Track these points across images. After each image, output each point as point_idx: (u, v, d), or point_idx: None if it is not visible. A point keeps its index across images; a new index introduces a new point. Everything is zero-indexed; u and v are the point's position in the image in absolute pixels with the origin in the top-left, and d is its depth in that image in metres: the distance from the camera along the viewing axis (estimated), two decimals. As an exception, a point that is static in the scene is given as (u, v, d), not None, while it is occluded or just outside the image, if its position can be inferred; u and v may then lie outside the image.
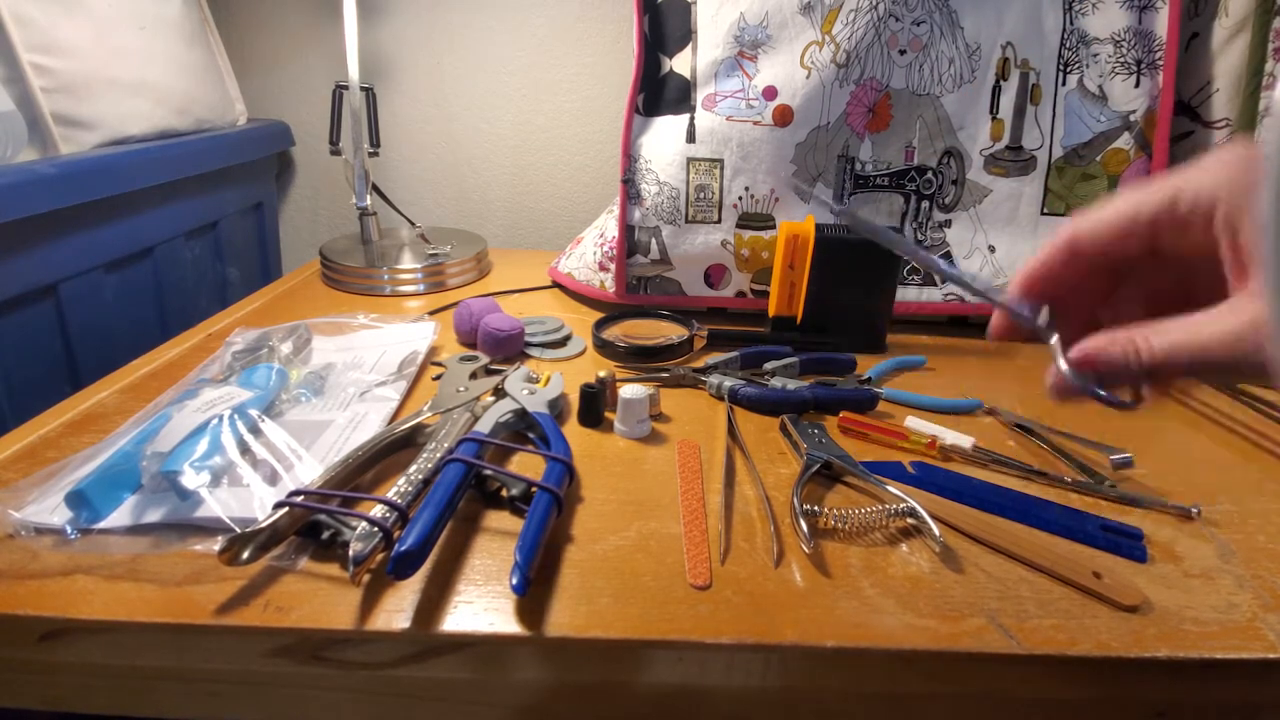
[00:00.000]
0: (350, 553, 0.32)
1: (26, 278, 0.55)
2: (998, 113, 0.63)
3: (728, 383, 0.52)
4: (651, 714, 0.33)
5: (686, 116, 0.64)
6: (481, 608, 0.32)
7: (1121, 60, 0.61)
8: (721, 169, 0.63)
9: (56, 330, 0.59)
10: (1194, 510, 0.40)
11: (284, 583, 0.33)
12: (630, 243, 0.66)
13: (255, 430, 0.42)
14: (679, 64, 0.64)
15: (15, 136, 0.55)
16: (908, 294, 0.65)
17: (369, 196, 0.80)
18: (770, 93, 0.62)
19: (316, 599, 0.32)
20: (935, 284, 0.65)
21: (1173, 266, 0.27)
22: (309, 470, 0.40)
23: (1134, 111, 0.61)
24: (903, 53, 0.62)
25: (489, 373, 0.52)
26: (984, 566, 0.35)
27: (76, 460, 0.39)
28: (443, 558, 0.35)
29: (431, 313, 0.68)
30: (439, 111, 0.93)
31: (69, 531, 0.35)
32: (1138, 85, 0.61)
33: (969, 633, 0.31)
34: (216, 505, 0.36)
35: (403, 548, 0.31)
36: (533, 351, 0.59)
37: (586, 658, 0.32)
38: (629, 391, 0.46)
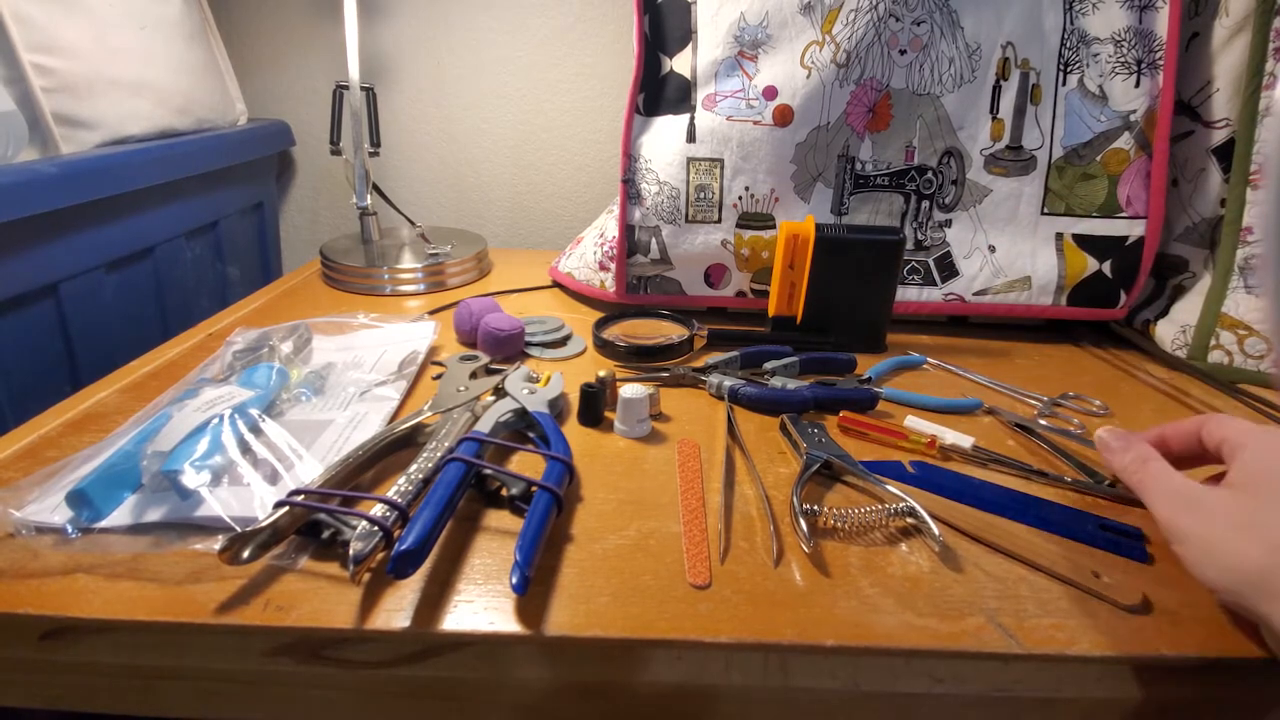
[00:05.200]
0: (350, 552, 0.32)
1: (27, 278, 0.55)
2: (998, 112, 0.63)
3: (728, 382, 0.52)
4: (651, 714, 0.33)
5: (686, 116, 0.64)
6: (481, 607, 0.32)
7: (1122, 60, 0.61)
8: (721, 169, 0.63)
9: (57, 330, 0.59)
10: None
11: (284, 582, 0.33)
12: (630, 242, 0.66)
13: (255, 430, 0.42)
14: (679, 64, 0.64)
15: (15, 136, 0.55)
16: (908, 294, 0.65)
17: (369, 196, 0.80)
18: (770, 92, 0.62)
19: (316, 598, 0.32)
20: (935, 284, 0.65)
21: None
22: (309, 470, 0.40)
23: (1134, 111, 0.61)
24: (903, 53, 0.62)
25: (489, 372, 0.52)
26: (984, 566, 0.35)
27: (77, 460, 0.40)
28: (443, 557, 0.35)
29: (431, 312, 0.68)
30: (439, 111, 0.93)
31: (69, 531, 0.35)
32: (1138, 85, 0.61)
33: (969, 632, 0.31)
34: (217, 504, 0.36)
35: (403, 547, 0.31)
36: (533, 351, 0.59)
37: (586, 657, 0.32)
38: (629, 391, 0.46)
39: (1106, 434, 0.38)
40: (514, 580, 0.31)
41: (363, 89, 0.78)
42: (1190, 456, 0.36)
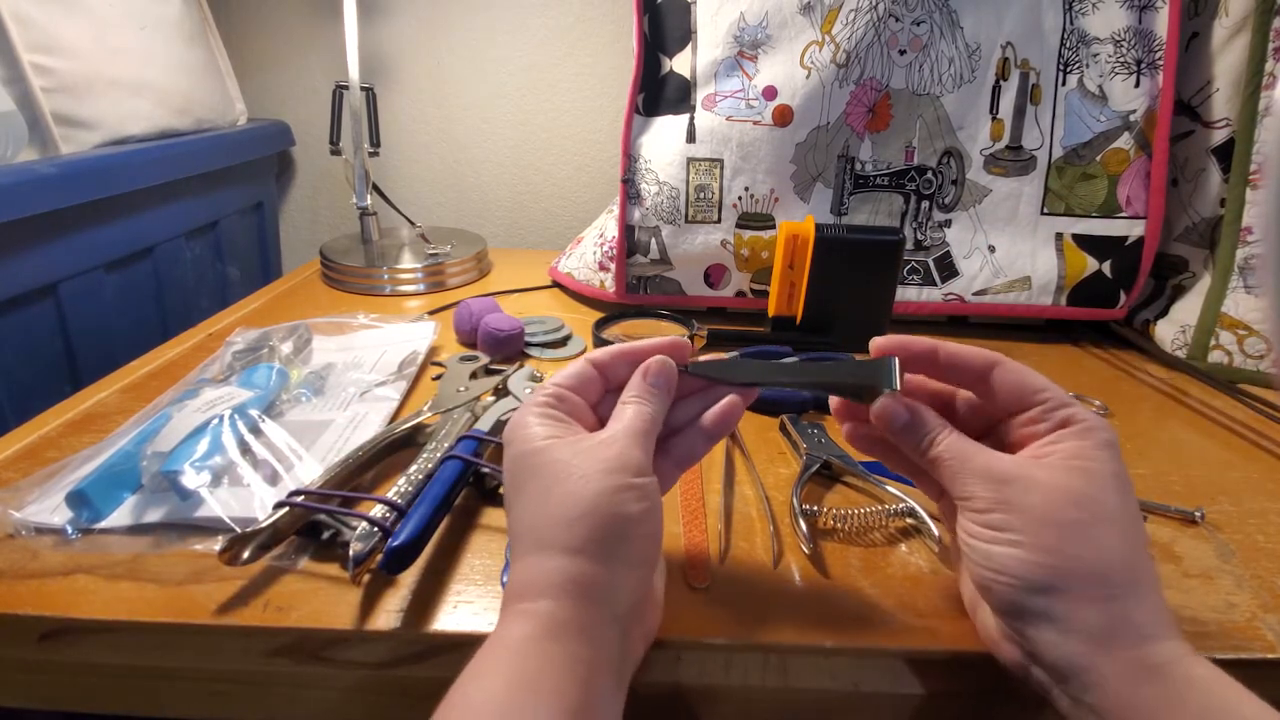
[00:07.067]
0: (350, 553, 0.32)
1: (26, 278, 0.55)
2: (998, 113, 0.63)
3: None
4: (651, 714, 0.33)
5: (686, 116, 0.64)
6: (482, 607, 0.32)
7: (1121, 60, 0.61)
8: (721, 169, 0.63)
9: (57, 330, 0.59)
10: (1198, 514, 0.39)
11: (284, 582, 0.33)
12: (630, 242, 0.66)
13: (255, 430, 0.42)
14: (679, 64, 0.64)
15: (15, 136, 0.55)
16: (907, 294, 0.65)
17: (369, 196, 0.80)
18: (770, 93, 0.62)
19: (316, 599, 0.32)
20: (935, 284, 0.65)
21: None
22: (309, 470, 0.40)
23: (1134, 111, 0.61)
24: (903, 53, 0.62)
25: (489, 372, 0.52)
26: (983, 566, 0.35)
27: (77, 460, 0.40)
28: (442, 557, 0.35)
29: (431, 312, 0.68)
30: (439, 111, 0.93)
31: (69, 531, 0.35)
32: (1138, 85, 0.61)
33: (969, 633, 0.31)
34: (217, 505, 0.36)
35: (395, 543, 0.31)
36: (533, 351, 0.59)
37: (586, 657, 0.32)
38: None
39: (891, 403, 0.30)
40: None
41: (362, 89, 0.78)
42: (948, 387, 0.32)
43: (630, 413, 0.29)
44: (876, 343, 0.32)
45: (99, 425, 0.46)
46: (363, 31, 0.77)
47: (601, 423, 0.31)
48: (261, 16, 0.89)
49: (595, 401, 0.32)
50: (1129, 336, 0.66)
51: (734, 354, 0.56)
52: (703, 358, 0.33)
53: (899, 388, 0.30)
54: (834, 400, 0.33)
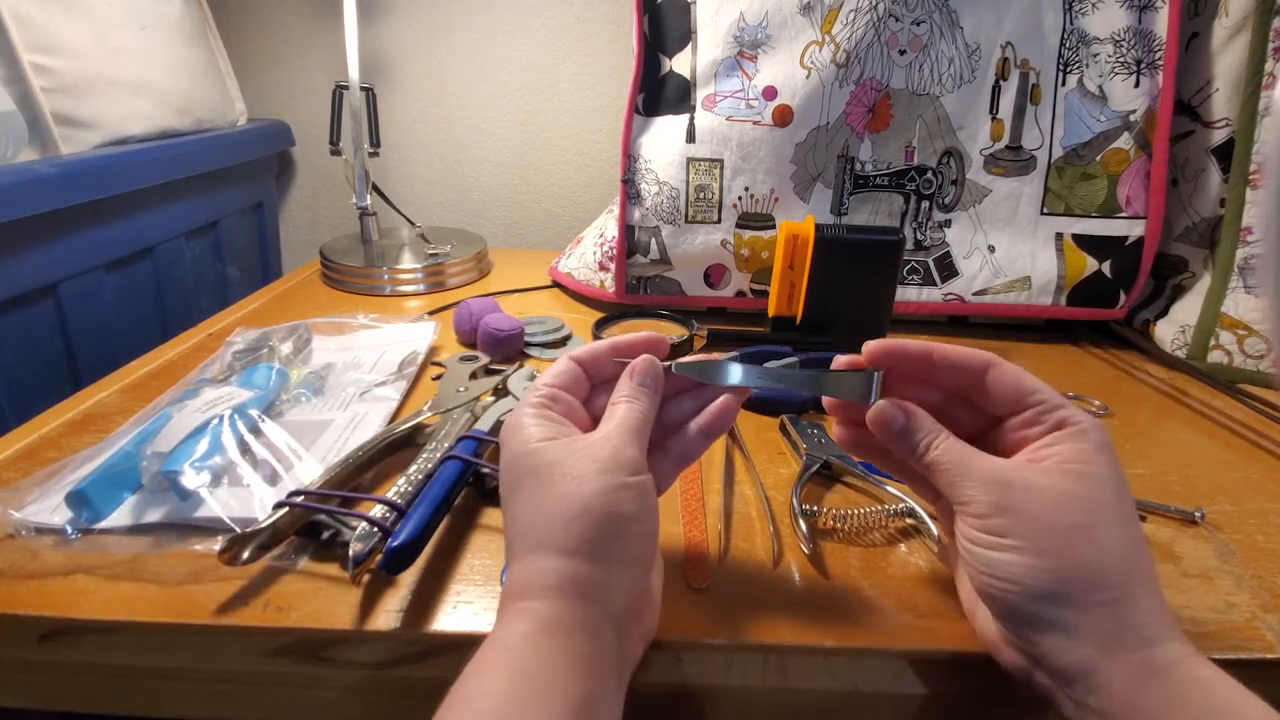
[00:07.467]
0: (350, 553, 0.32)
1: (26, 278, 0.55)
2: (997, 113, 0.63)
3: (727, 383, 0.52)
4: (651, 714, 0.33)
5: (686, 116, 0.64)
6: (481, 607, 0.32)
7: (1121, 60, 0.61)
8: (721, 169, 0.63)
9: (56, 330, 0.59)
10: (1198, 514, 0.39)
11: (284, 583, 0.33)
12: (630, 243, 0.66)
13: (255, 430, 0.42)
14: (679, 64, 0.64)
15: (15, 136, 0.55)
16: (907, 294, 0.65)
17: (369, 196, 0.80)
18: (770, 93, 0.62)
19: (316, 599, 0.32)
20: (935, 284, 0.65)
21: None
22: (309, 470, 0.40)
23: (1134, 111, 0.61)
24: (902, 53, 0.62)
25: (489, 373, 0.52)
26: (983, 566, 0.35)
27: (77, 460, 0.40)
28: (442, 557, 0.35)
29: (431, 313, 0.68)
30: (439, 111, 0.93)
31: (69, 531, 0.35)
32: (1138, 85, 0.61)
33: (969, 633, 0.31)
34: (216, 505, 0.36)
35: (395, 543, 0.31)
36: (533, 351, 0.59)
37: (586, 657, 0.32)
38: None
39: (889, 407, 0.30)
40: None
41: (362, 89, 0.78)
42: (941, 388, 0.31)
43: (621, 412, 0.29)
44: (869, 347, 0.31)
45: (99, 425, 0.46)
46: (363, 31, 0.77)
47: (594, 419, 0.31)
48: (261, 16, 0.89)
49: (584, 399, 0.32)
50: (1129, 336, 0.66)
51: (731, 354, 0.56)
52: (690, 358, 0.33)
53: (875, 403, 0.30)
54: (828, 400, 0.33)
